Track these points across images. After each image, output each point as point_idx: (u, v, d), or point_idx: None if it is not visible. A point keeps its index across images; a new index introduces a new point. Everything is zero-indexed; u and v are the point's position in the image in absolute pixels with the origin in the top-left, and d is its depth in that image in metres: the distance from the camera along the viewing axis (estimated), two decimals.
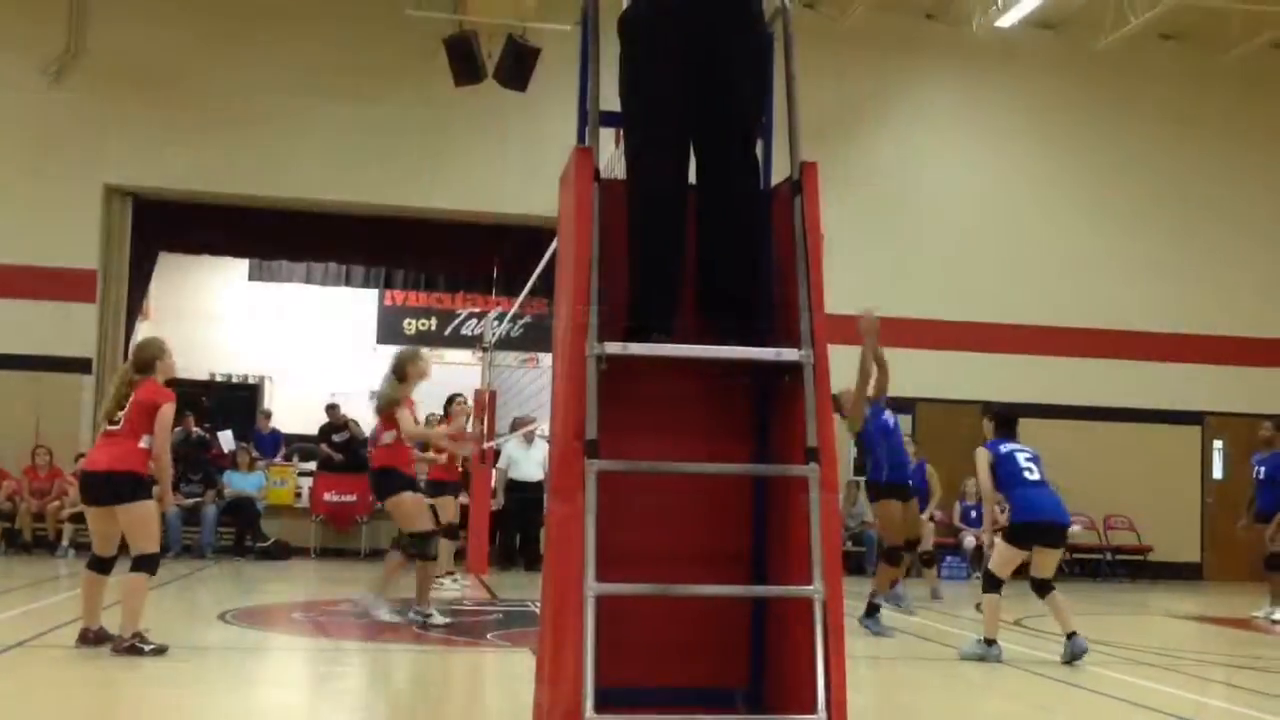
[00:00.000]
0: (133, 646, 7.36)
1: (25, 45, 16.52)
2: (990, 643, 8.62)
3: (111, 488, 7.47)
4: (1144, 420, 18.48)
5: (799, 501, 3.79)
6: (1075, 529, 17.52)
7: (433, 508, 10.62)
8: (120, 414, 7.57)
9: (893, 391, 11.07)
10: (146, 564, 7.49)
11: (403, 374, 9.56)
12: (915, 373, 18.05)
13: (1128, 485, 18.26)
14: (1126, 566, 18.05)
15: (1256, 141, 19.16)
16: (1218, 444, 18.61)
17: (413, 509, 9.51)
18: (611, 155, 4.78)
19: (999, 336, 18.35)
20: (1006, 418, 9.38)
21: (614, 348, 3.82)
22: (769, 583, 4.10)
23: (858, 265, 16.92)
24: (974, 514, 17.36)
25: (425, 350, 10.91)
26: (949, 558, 17.28)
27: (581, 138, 4.13)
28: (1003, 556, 8.82)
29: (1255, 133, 19.16)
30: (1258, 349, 18.78)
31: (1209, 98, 19.05)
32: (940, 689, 7.97)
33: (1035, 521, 8.77)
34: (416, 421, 9.90)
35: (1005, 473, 8.89)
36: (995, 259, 18.50)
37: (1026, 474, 8.81)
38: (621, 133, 4.28)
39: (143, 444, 7.51)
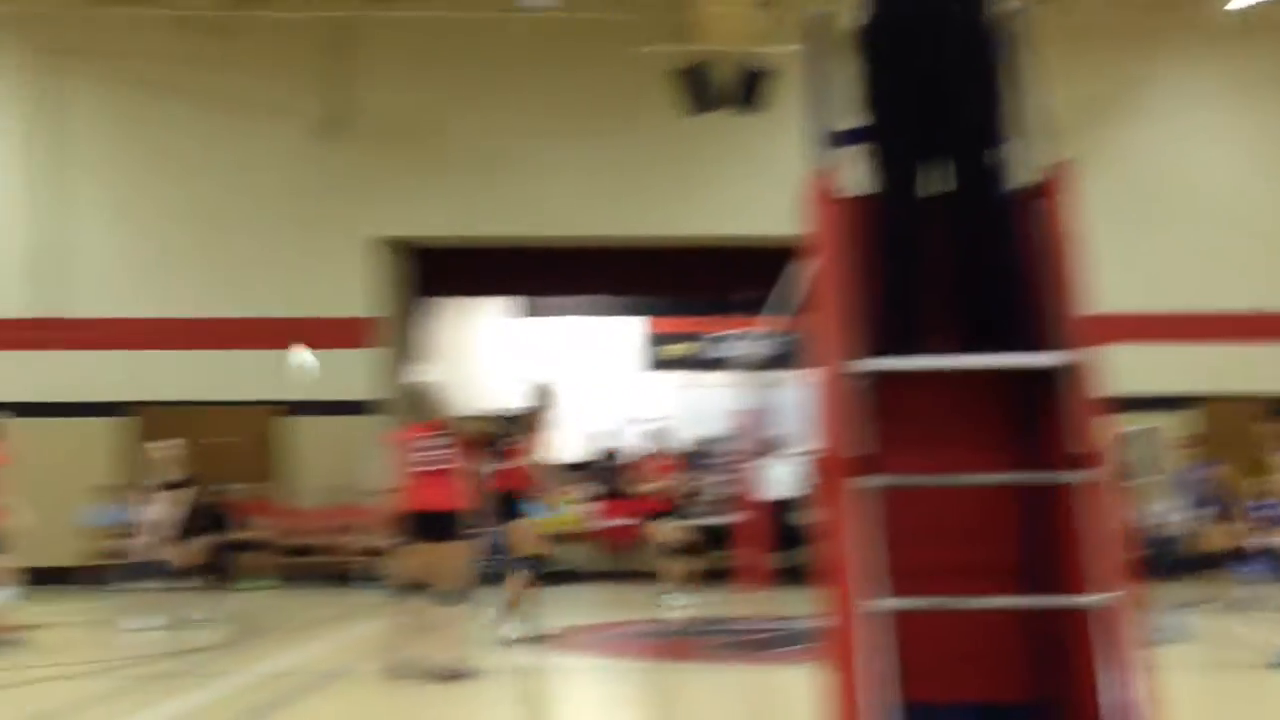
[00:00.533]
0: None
1: (293, 112, 17.67)
2: None
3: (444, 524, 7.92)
4: None
5: (1073, 508, 3.71)
6: None
7: None
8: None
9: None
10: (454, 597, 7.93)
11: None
12: (1195, 367, 17.21)
13: None
14: None
15: None
16: None
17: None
18: (854, 169, 4.79)
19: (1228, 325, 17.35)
20: None
21: (871, 364, 3.83)
22: (1048, 593, 4.00)
23: (1120, 261, 16.26)
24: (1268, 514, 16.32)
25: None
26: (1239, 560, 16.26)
27: (818, 158, 4.17)
28: None
29: None
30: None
31: None
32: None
33: None
34: None
35: None
36: (1252, 244, 17.50)
37: None
38: (860, 150, 4.29)
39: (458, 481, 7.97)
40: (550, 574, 15.75)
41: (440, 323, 21.14)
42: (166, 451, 11.25)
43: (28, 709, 6.85)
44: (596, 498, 18.04)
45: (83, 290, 17.64)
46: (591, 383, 21.99)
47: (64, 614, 12.65)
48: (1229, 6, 16.95)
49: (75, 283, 17.63)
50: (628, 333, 22.92)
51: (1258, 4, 17.04)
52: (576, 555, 17.56)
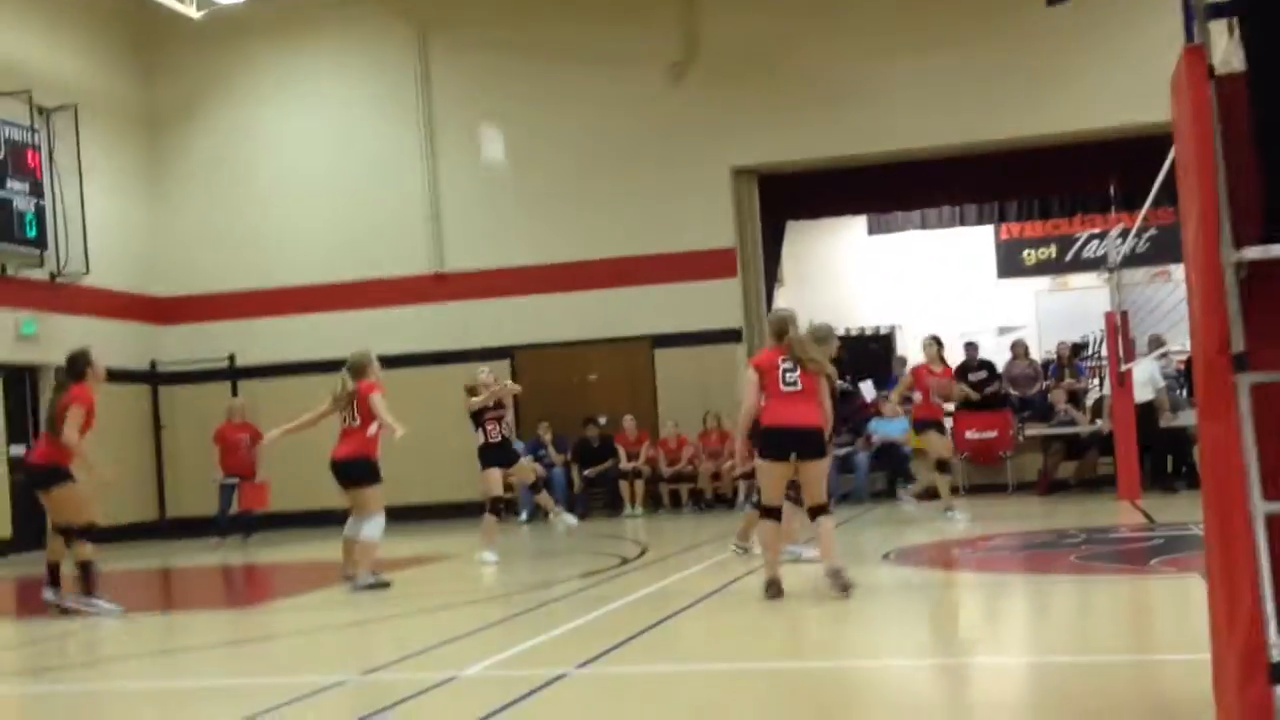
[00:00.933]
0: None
1: (647, 56, 18.21)
2: None
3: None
4: None
5: None
6: None
7: None
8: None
9: None
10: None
11: None
12: None
13: None
14: None
15: None
16: None
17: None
18: (1226, 47, 4.47)
19: None
20: None
21: (1253, 252, 3.60)
22: None
23: None
24: None
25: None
26: None
27: (1190, 35, 3.91)
28: None
29: None
30: None
31: None
32: None
33: None
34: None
35: None
36: None
37: None
38: (1236, 21, 3.99)
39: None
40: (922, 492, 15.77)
41: (798, 247, 21.27)
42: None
43: (433, 634, 7.48)
44: (958, 410, 17.73)
45: (459, 245, 18.89)
46: (945, 294, 21.55)
47: (444, 547, 13.63)
48: None
49: (453, 238, 18.89)
50: (983, 240, 22.25)
51: None
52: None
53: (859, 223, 22.16)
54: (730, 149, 18.02)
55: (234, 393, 18.92)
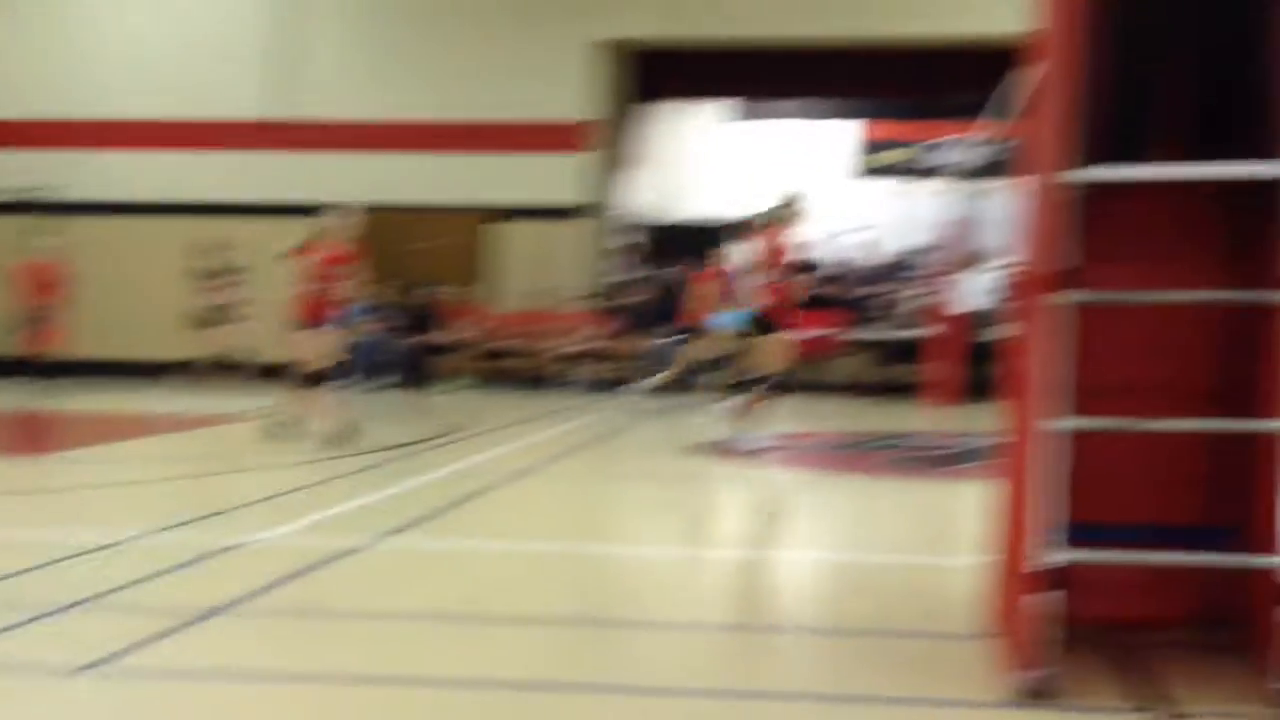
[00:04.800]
0: None
1: None
2: None
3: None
4: None
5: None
6: None
7: None
8: None
9: None
10: None
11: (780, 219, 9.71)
12: None
13: None
14: None
15: None
16: None
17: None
18: None
19: None
20: None
21: (1092, 174, 3.54)
22: (1249, 417, 3.75)
23: None
24: None
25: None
26: None
27: None
28: None
29: None
30: None
31: None
32: None
33: None
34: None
35: None
36: None
37: None
38: None
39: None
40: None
41: (655, 127, 20.94)
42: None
43: (228, 498, 7.24)
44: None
45: (309, 93, 18.02)
46: (805, 188, 21.54)
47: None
48: None
49: (302, 86, 18.02)
50: (842, 137, 22.27)
51: None
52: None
53: (727, 107, 21.89)
54: (597, 19, 17.50)
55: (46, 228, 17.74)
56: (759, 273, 9.87)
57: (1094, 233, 3.75)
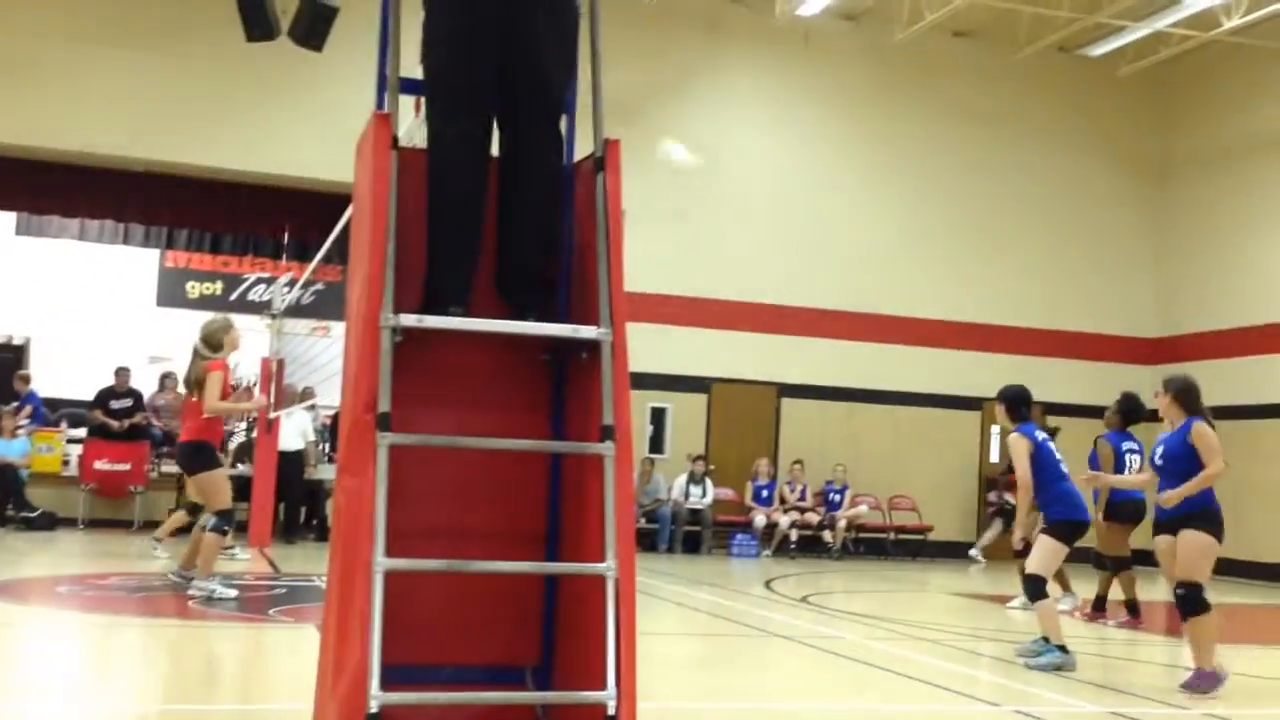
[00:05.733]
0: None
1: None
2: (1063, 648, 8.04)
3: None
4: (927, 405, 19.22)
5: (594, 479, 3.76)
6: (862, 509, 18.24)
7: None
8: None
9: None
10: None
11: (217, 344, 9.44)
12: (709, 353, 18.43)
13: (910, 467, 18.99)
14: (908, 546, 18.72)
15: (1042, 139, 20.11)
16: (995, 429, 19.34)
17: (224, 485, 9.47)
18: (411, 123, 4.65)
19: (791, 319, 18.81)
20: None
21: (409, 319, 3.72)
22: (563, 560, 4.07)
23: (658, 243, 17.17)
24: (765, 494, 17.87)
25: (234, 318, 10.57)
26: (739, 536, 17.66)
27: (380, 103, 4.00)
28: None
29: (1041, 131, 20.11)
30: (1034, 339, 19.75)
31: (998, 94, 19.90)
32: (729, 664, 8.12)
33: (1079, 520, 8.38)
34: (225, 395, 9.58)
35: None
36: (787, 243, 18.94)
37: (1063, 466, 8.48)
38: (422, 100, 4.16)
39: None
40: (36, 518, 14.54)
41: None
42: None
43: None
44: (89, 438, 16.78)
45: None
46: (97, 314, 20.40)
47: None
48: (796, 12, 18.14)
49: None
50: (143, 264, 21.37)
51: (820, 15, 18.36)
52: (59, 499, 16.24)
53: (7, 219, 20.08)
54: None
55: None
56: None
57: (422, 378, 3.91)
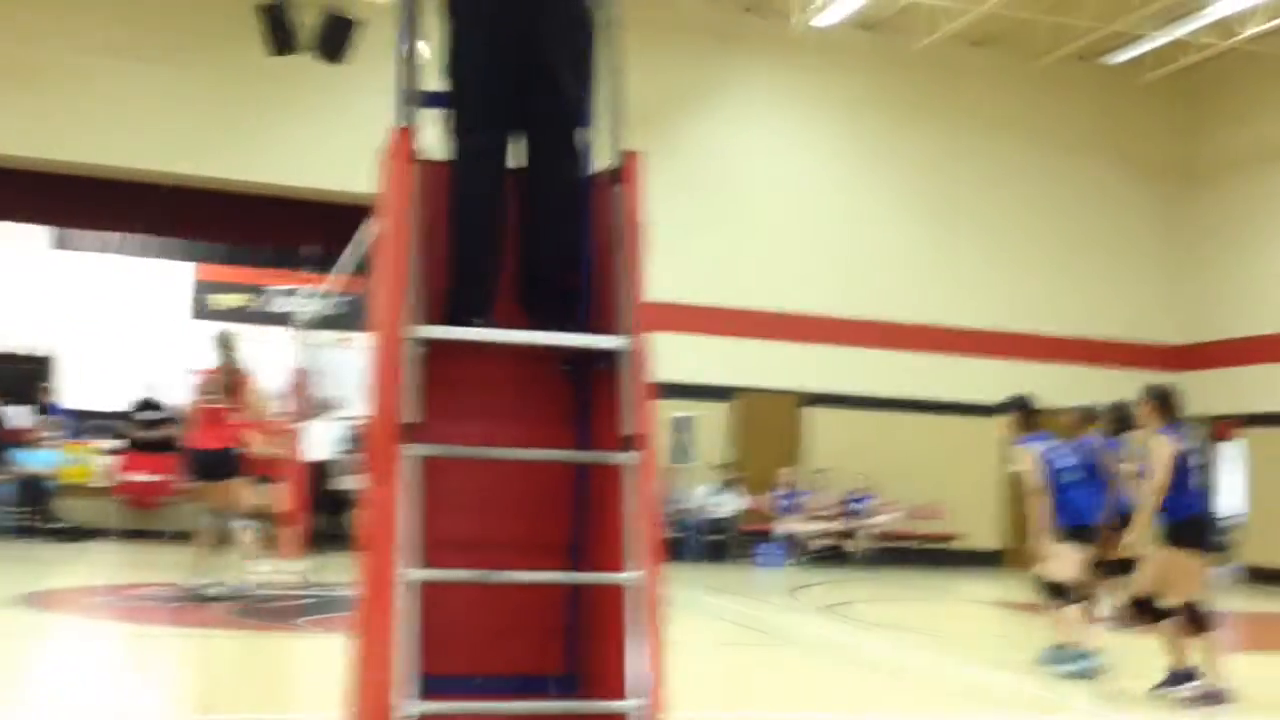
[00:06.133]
0: None
1: None
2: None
3: None
4: (951, 413, 19.16)
5: (617, 489, 3.80)
6: (888, 517, 18.21)
7: None
8: None
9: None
10: None
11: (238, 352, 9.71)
12: (732, 361, 18.46)
13: (935, 475, 18.93)
14: (933, 554, 18.66)
15: (1064, 147, 20.05)
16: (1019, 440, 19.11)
17: (250, 493, 9.71)
18: (433, 135, 4.70)
19: (814, 327, 18.82)
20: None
21: (431, 331, 3.77)
22: (589, 570, 4.10)
23: (678, 252, 17.21)
24: (789, 502, 17.88)
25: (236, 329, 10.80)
26: (763, 544, 17.66)
27: (400, 117, 4.05)
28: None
29: (1063, 138, 20.05)
30: (1046, 346, 19.68)
31: (1018, 103, 19.87)
32: (756, 670, 8.14)
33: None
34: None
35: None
36: (808, 251, 18.96)
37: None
38: (443, 113, 4.21)
39: None
40: (66, 530, 14.71)
41: None
42: None
43: None
44: (121, 450, 16.94)
45: None
46: (132, 327, 20.59)
47: None
48: (813, 22, 18.16)
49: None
50: (175, 278, 21.61)
51: (837, 25, 18.38)
52: (93, 510, 16.41)
53: (42, 233, 20.39)
54: None
55: None
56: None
57: (446, 389, 3.96)
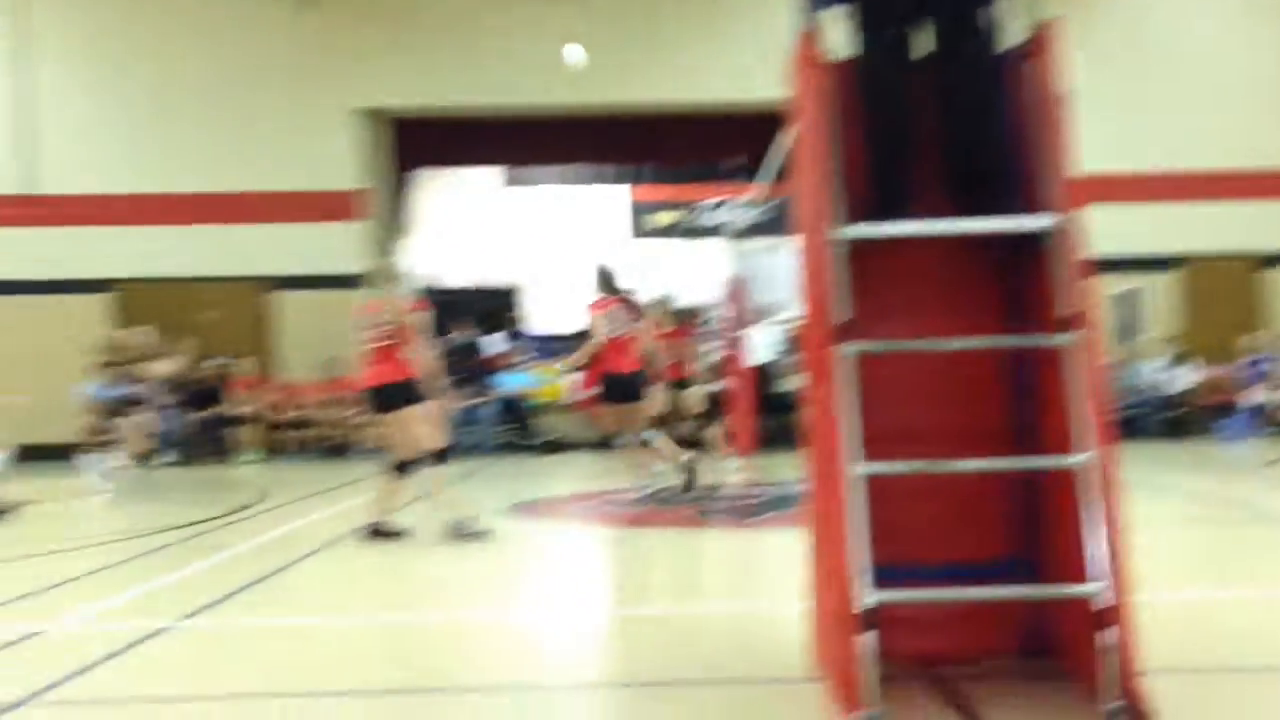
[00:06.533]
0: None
1: None
2: None
3: (383, 398, 7.99)
4: None
5: (1058, 372, 3.73)
6: None
7: None
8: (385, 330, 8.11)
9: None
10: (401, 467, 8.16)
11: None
12: (1177, 227, 17.25)
13: None
14: None
15: None
16: None
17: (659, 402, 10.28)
18: (840, 31, 4.71)
19: (1262, 184, 17.25)
20: None
21: (854, 230, 3.82)
22: (1036, 454, 4.05)
23: (1108, 121, 16.22)
24: (1254, 370, 16.62)
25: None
26: (1226, 419, 16.52)
27: (803, 20, 4.09)
28: None
29: None
30: None
31: None
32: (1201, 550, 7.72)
33: None
34: None
35: None
36: (1247, 104, 17.36)
37: None
38: (844, 11, 4.21)
39: (407, 354, 8.04)
40: (544, 444, 15.98)
41: (424, 194, 21.00)
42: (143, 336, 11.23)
43: (22, 583, 6.93)
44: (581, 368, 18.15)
45: (62, 168, 17.47)
46: (579, 252, 21.92)
47: (59, 490, 12.76)
48: None
49: (53, 160, 17.44)
50: (613, 201, 22.78)
51: None
52: (564, 425, 17.75)
53: (495, 173, 22.12)
54: (358, 89, 17.58)
55: None
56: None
57: (875, 284, 4.01)
